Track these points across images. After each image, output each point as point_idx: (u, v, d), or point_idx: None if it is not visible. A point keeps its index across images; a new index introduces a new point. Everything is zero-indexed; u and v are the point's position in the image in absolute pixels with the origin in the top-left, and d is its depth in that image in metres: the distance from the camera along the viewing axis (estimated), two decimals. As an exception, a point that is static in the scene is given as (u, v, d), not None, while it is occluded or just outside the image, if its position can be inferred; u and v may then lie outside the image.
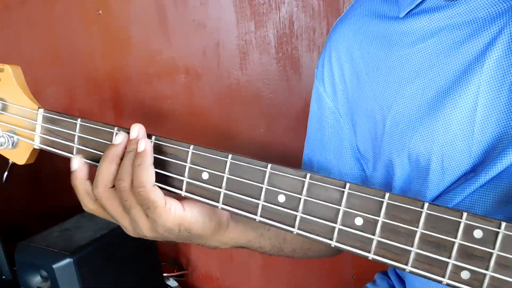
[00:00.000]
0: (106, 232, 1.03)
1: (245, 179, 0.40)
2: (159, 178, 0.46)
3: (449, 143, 0.46)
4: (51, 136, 0.52)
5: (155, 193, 0.45)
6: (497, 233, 0.33)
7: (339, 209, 0.37)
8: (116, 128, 0.48)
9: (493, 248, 0.33)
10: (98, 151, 0.48)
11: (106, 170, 0.47)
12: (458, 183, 0.47)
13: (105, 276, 1.01)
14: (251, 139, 1.17)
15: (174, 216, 0.46)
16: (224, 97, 1.16)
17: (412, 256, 0.36)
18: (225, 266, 1.29)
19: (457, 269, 0.34)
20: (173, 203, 0.46)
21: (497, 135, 0.44)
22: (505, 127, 0.43)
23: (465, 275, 0.34)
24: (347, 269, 1.15)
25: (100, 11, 1.19)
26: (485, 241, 0.34)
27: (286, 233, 0.41)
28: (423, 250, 0.35)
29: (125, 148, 0.48)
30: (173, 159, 0.45)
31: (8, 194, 1.38)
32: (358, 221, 0.37)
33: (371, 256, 0.37)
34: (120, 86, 1.24)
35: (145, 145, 0.46)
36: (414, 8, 0.50)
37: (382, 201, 0.36)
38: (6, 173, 0.54)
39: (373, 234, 0.36)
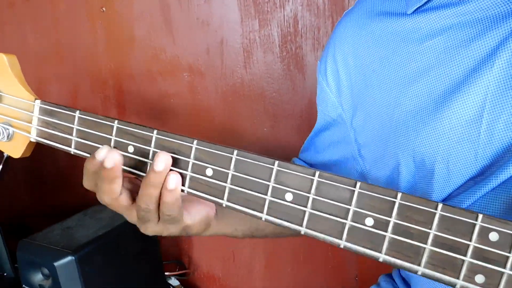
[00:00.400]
0: (108, 230, 1.02)
1: (251, 176, 0.39)
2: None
3: (454, 144, 0.45)
4: (48, 129, 0.50)
5: (180, 215, 0.47)
6: (514, 236, 0.32)
7: (349, 209, 0.36)
8: (116, 122, 0.46)
9: (510, 252, 0.32)
10: (99, 144, 0.47)
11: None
12: (466, 186, 0.46)
13: (107, 274, 1.00)
14: (255, 138, 1.16)
15: (182, 225, 0.49)
16: (228, 95, 1.15)
17: (425, 258, 0.34)
18: (227, 266, 1.28)
19: (472, 273, 0.33)
20: (184, 215, 0.49)
21: (507, 138, 0.42)
22: None
23: (479, 278, 0.33)
24: (350, 269, 1.13)
25: (104, 8, 1.18)
26: (501, 244, 0.32)
27: (258, 222, 0.41)
28: (436, 253, 0.34)
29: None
30: (176, 154, 0.43)
31: (10, 191, 1.38)
32: (369, 222, 0.35)
33: (382, 257, 0.36)
34: (123, 83, 1.23)
35: (176, 184, 0.43)
36: (422, 5, 0.49)
37: (394, 201, 0.35)
38: (0, 167, 0.52)
39: (385, 234, 0.35)
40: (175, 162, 0.43)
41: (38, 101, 0.51)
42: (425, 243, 0.34)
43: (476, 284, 0.33)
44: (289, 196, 0.38)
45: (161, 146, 0.43)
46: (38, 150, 0.54)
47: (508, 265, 0.32)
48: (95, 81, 1.26)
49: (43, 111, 0.50)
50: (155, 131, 0.44)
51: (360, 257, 0.36)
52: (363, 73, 0.55)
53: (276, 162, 0.38)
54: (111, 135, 0.45)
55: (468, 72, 0.45)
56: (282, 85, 1.10)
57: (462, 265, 0.33)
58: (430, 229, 0.34)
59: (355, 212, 0.36)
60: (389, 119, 0.52)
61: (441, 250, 0.34)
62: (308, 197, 0.37)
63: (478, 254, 0.33)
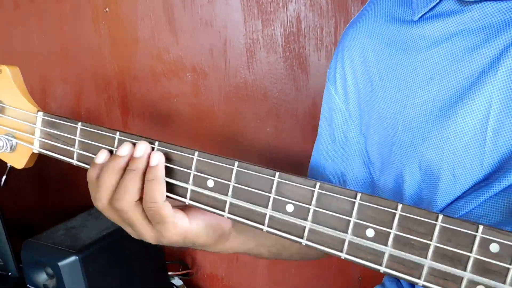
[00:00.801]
0: (112, 230, 1.03)
1: (252, 188, 0.39)
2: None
3: (460, 152, 0.45)
4: (51, 140, 0.51)
5: (167, 209, 0.44)
6: (515, 248, 0.32)
7: (349, 220, 0.36)
8: (118, 133, 0.46)
9: (510, 263, 0.32)
10: (101, 156, 0.47)
11: (109, 181, 0.45)
12: (470, 191, 0.46)
13: (111, 274, 1.01)
14: (258, 138, 1.16)
15: (181, 229, 0.45)
16: (231, 96, 1.15)
17: (425, 270, 0.34)
18: (230, 266, 1.28)
19: (473, 284, 0.33)
20: (179, 216, 0.45)
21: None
22: None
23: (480, 290, 0.33)
24: (354, 270, 1.14)
25: (108, 9, 1.18)
26: (502, 255, 0.32)
27: (285, 240, 0.41)
28: (437, 264, 0.34)
29: (128, 161, 0.45)
30: (177, 165, 0.44)
31: (15, 192, 1.38)
32: (370, 233, 0.36)
33: (382, 269, 0.36)
34: (127, 84, 1.24)
35: (159, 159, 0.44)
36: (427, 12, 0.49)
37: (395, 213, 0.35)
38: (4, 177, 0.53)
39: (385, 247, 0.35)
40: (176, 174, 0.44)
41: (40, 113, 0.51)
42: (426, 254, 0.34)
43: (477, 295, 0.33)
44: (290, 208, 0.38)
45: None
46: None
47: (509, 277, 0.32)
48: (99, 81, 1.26)
49: (46, 123, 0.51)
50: (157, 143, 0.44)
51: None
52: (370, 80, 0.55)
53: (277, 174, 0.38)
54: (113, 147, 0.45)
55: (473, 80, 0.44)
56: (285, 85, 1.10)
57: (463, 277, 0.33)
58: (431, 240, 0.34)
59: (355, 224, 0.36)
60: (395, 127, 0.52)
61: (442, 262, 0.34)
62: (309, 208, 0.37)
63: (479, 265, 0.33)
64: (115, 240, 1.02)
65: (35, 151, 0.52)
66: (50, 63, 1.29)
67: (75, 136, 0.48)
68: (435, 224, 0.34)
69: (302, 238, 0.37)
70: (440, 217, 0.34)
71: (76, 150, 0.48)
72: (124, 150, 0.45)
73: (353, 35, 0.58)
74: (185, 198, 0.44)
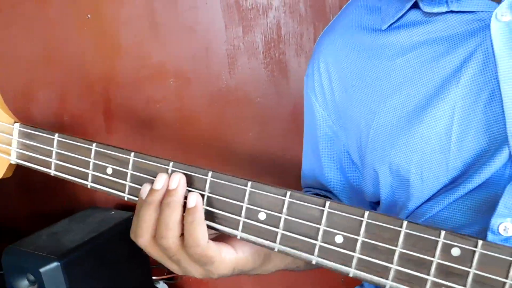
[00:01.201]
0: (95, 235, 1.02)
1: (226, 198, 0.40)
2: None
3: (427, 156, 0.47)
4: (28, 151, 0.51)
5: (211, 249, 0.42)
6: (474, 251, 0.34)
7: (319, 228, 0.37)
8: (94, 144, 0.47)
9: (470, 267, 0.34)
10: (79, 167, 0.47)
11: (149, 217, 0.42)
12: (438, 193, 0.48)
13: (94, 278, 1.00)
14: (241, 142, 1.18)
15: (230, 262, 0.44)
16: (214, 101, 1.16)
17: (392, 273, 0.36)
18: (215, 270, 1.29)
19: (436, 287, 0.35)
20: (225, 251, 0.43)
21: (476, 150, 0.44)
22: (483, 144, 0.44)
23: (443, 292, 0.35)
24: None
25: (89, 15, 1.18)
26: (462, 259, 0.34)
27: None
28: (403, 268, 0.36)
29: (165, 192, 0.42)
30: (149, 175, 0.44)
31: (0, 197, 1.37)
32: (339, 239, 0.37)
33: (352, 272, 0.37)
34: (110, 89, 1.24)
35: (196, 200, 0.41)
36: (395, 22, 0.51)
37: (362, 220, 0.36)
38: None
39: (354, 252, 0.37)
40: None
41: (17, 124, 0.52)
42: (392, 259, 0.36)
43: (440, 297, 0.34)
44: (262, 216, 0.39)
45: (138, 168, 0.44)
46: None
47: (469, 279, 0.34)
48: (83, 87, 1.26)
49: (23, 134, 0.51)
50: (132, 153, 0.45)
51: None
52: (345, 87, 0.57)
53: (249, 183, 0.39)
54: (90, 158, 0.46)
55: (438, 88, 0.47)
56: (266, 90, 1.12)
57: (427, 279, 0.35)
58: (396, 246, 0.36)
59: (325, 231, 0.37)
60: (367, 132, 0.54)
61: (407, 266, 0.36)
62: (280, 217, 0.38)
63: (442, 269, 0.35)
64: (99, 245, 1.02)
65: (13, 162, 0.52)
66: (33, 68, 1.29)
67: (52, 147, 0.49)
68: (400, 231, 0.35)
69: (275, 243, 0.39)
70: (405, 223, 0.35)
71: (53, 160, 0.49)
72: (160, 183, 0.42)
73: (327, 44, 0.60)
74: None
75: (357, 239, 0.37)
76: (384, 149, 0.51)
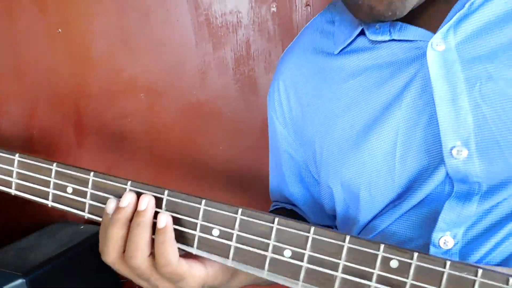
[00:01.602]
0: (64, 250, 1.01)
1: (181, 215, 0.42)
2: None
3: (374, 173, 0.50)
4: None
5: (182, 267, 0.42)
6: (410, 263, 0.36)
7: (269, 243, 0.40)
8: (55, 164, 0.47)
9: (407, 277, 0.37)
10: (40, 186, 0.48)
11: (117, 235, 0.42)
12: (386, 209, 0.51)
13: (63, 294, 1.00)
14: (211, 156, 1.19)
15: (199, 279, 0.44)
16: (184, 115, 1.17)
17: (337, 285, 0.39)
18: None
19: (378, 296, 0.37)
20: (195, 266, 0.44)
21: (417, 168, 0.48)
22: (424, 162, 0.47)
23: (385, 301, 0.37)
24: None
25: (60, 30, 1.19)
26: (400, 270, 0.37)
27: None
28: (346, 280, 0.38)
29: (134, 210, 0.43)
30: (108, 194, 0.45)
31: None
32: (287, 253, 0.39)
33: (300, 284, 0.40)
34: (81, 103, 1.24)
35: (167, 220, 0.42)
36: (346, 47, 0.54)
37: (308, 236, 0.39)
38: None
39: (301, 265, 0.39)
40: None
41: None
42: (337, 271, 0.38)
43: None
44: (216, 232, 0.41)
45: (97, 187, 0.46)
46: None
47: (407, 289, 0.37)
48: (53, 100, 1.26)
49: None
50: (92, 173, 0.46)
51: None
52: (301, 106, 0.60)
53: (203, 201, 0.41)
54: (51, 177, 0.47)
55: (382, 110, 0.50)
56: (236, 105, 1.14)
57: (369, 289, 0.38)
58: (340, 259, 0.38)
59: (274, 246, 0.40)
60: (321, 150, 0.56)
61: (351, 277, 0.38)
62: (233, 233, 0.41)
63: (382, 280, 0.37)
64: (68, 260, 1.01)
65: None
66: (2, 81, 1.28)
67: (13, 167, 0.49)
68: (343, 245, 0.38)
69: (227, 258, 0.41)
70: (347, 238, 0.38)
71: (14, 180, 0.50)
72: (126, 201, 0.43)
73: (286, 64, 0.63)
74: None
75: (304, 253, 0.39)
76: (336, 166, 0.54)
